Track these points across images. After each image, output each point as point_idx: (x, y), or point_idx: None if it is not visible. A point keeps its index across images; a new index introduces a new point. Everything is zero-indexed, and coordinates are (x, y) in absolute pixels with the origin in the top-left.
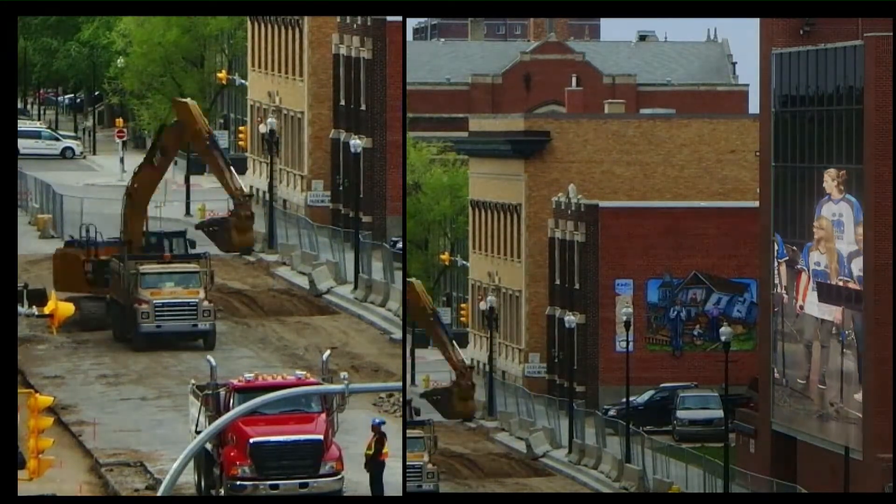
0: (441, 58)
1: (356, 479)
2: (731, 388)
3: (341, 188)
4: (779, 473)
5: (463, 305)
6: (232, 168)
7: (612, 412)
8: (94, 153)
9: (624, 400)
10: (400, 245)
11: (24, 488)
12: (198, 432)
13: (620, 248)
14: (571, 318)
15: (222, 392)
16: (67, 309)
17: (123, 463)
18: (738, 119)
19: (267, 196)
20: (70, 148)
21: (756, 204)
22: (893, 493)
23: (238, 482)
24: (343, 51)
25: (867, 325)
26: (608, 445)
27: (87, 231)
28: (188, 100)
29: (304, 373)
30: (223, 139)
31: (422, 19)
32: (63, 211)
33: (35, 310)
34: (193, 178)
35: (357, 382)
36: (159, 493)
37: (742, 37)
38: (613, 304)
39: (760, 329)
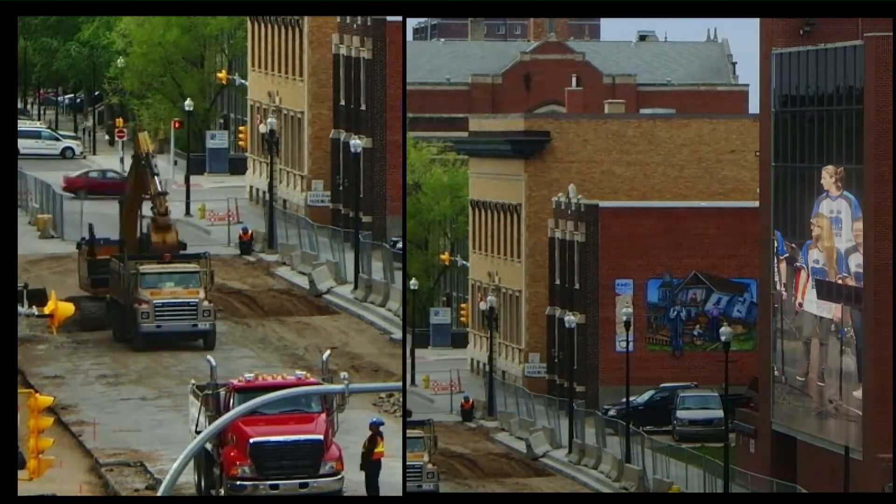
0: (441, 58)
1: (356, 479)
2: (731, 388)
3: (341, 188)
4: (779, 473)
5: (463, 305)
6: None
7: (612, 412)
8: (94, 153)
9: (624, 400)
10: (400, 245)
11: (24, 488)
12: (198, 432)
13: (620, 248)
14: (571, 318)
15: (222, 392)
16: (67, 309)
17: (123, 463)
18: (738, 119)
19: (267, 196)
20: (70, 148)
21: (756, 204)
22: (893, 493)
23: (238, 482)
24: (343, 51)
25: (867, 325)
26: (608, 445)
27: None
28: (142, 133)
29: (304, 373)
30: (223, 139)
31: (422, 19)
32: (63, 211)
33: (35, 310)
34: (193, 178)
35: (357, 382)
36: (159, 493)
37: (742, 37)
38: (613, 304)
39: (760, 329)
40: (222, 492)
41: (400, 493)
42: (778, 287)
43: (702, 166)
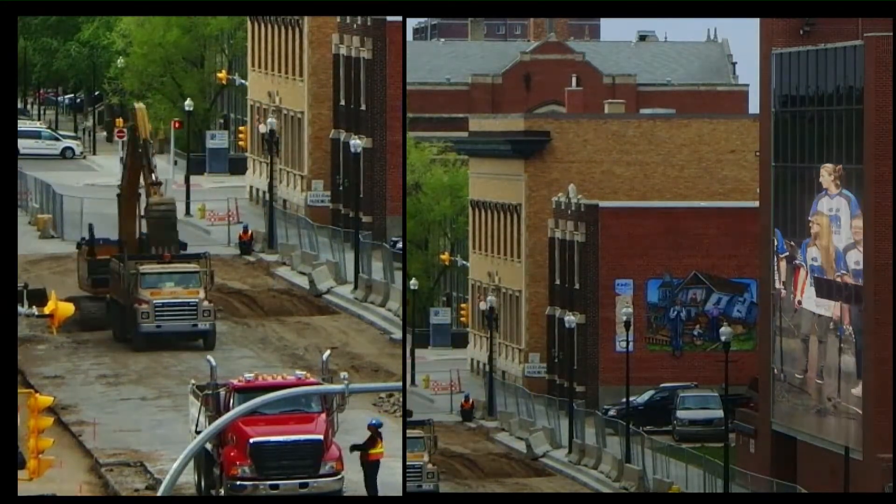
0: (441, 58)
1: (356, 479)
2: (731, 388)
3: (341, 188)
4: (779, 473)
5: (463, 305)
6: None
7: (612, 412)
8: (94, 153)
9: (624, 400)
10: (400, 245)
11: (24, 488)
12: (198, 432)
13: (620, 248)
14: (571, 318)
15: (222, 392)
16: (67, 309)
17: (123, 463)
18: (738, 119)
19: (267, 196)
20: (70, 148)
21: (756, 204)
22: (893, 493)
23: (238, 482)
24: (343, 51)
25: (867, 325)
26: (608, 445)
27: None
28: (140, 104)
29: (304, 373)
30: (223, 139)
31: (422, 19)
32: (63, 211)
33: (35, 310)
34: (193, 178)
35: (357, 382)
36: (159, 493)
37: (742, 37)
38: (613, 304)
39: (760, 329)
40: (222, 492)
41: (400, 493)
42: (777, 285)
43: (702, 166)
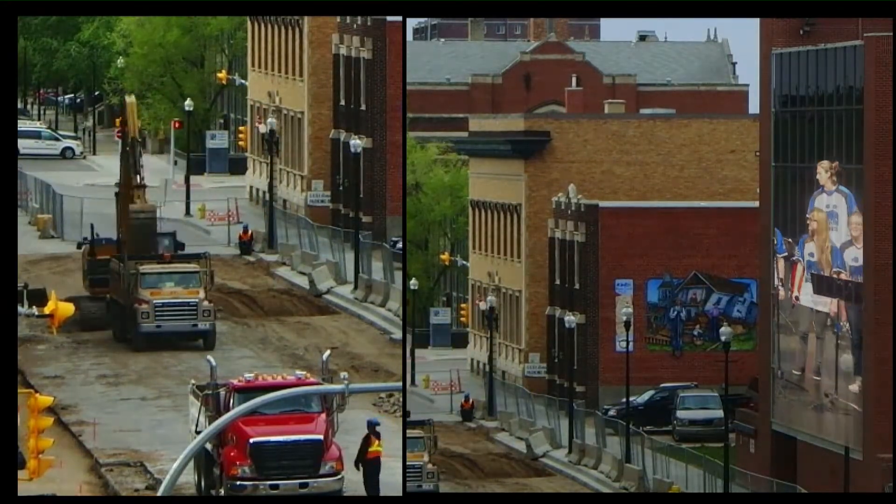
0: (441, 58)
1: (356, 479)
2: (731, 388)
3: (341, 188)
4: (779, 473)
5: (463, 305)
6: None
7: (612, 412)
8: (94, 153)
9: (624, 400)
10: (400, 245)
11: (24, 488)
12: (198, 432)
13: (620, 248)
14: (571, 318)
15: (222, 392)
16: (67, 309)
17: (123, 463)
18: (738, 119)
19: (267, 196)
20: (70, 148)
21: (756, 204)
22: (893, 493)
23: (238, 482)
24: (343, 51)
25: (867, 326)
26: (608, 445)
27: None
28: (130, 97)
29: (304, 373)
30: (223, 139)
31: (422, 19)
32: (63, 211)
33: (35, 310)
34: (193, 178)
35: (357, 382)
36: (159, 493)
37: (742, 37)
38: (613, 304)
39: (760, 329)
40: (222, 492)
41: (400, 493)
42: (776, 283)
43: (702, 166)
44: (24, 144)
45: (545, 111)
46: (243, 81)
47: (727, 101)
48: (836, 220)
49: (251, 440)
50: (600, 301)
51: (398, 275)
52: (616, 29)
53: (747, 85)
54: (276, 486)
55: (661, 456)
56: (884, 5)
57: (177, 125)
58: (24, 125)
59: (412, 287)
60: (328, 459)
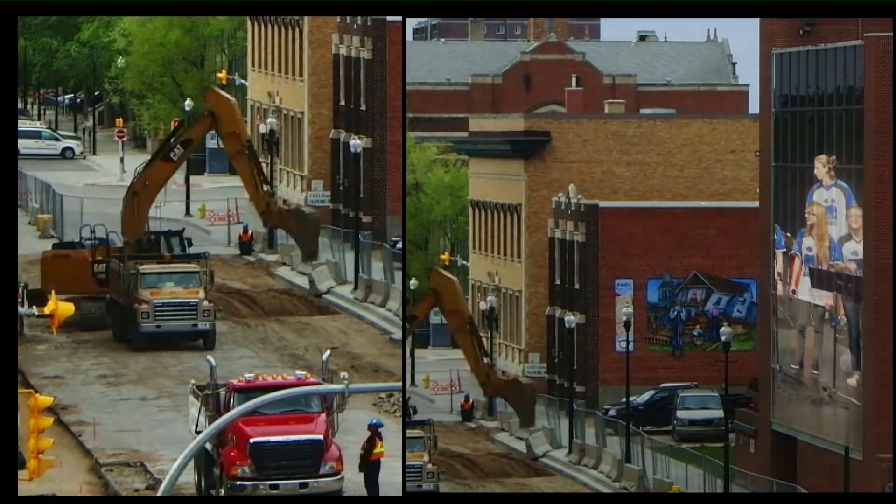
0: (441, 58)
1: (356, 479)
2: (731, 388)
3: (341, 188)
4: (779, 473)
5: None
6: (265, 177)
7: (612, 412)
8: (94, 153)
9: (624, 400)
10: (400, 245)
11: (24, 488)
12: (198, 432)
13: (620, 248)
14: (571, 318)
15: (222, 392)
16: (67, 309)
17: (123, 463)
18: (738, 119)
19: None
20: (70, 148)
21: (756, 204)
22: (893, 493)
23: (238, 482)
24: (343, 51)
25: (867, 325)
26: (608, 445)
27: (93, 231)
28: (230, 97)
29: (304, 373)
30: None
31: (422, 19)
32: (63, 211)
33: (35, 310)
34: (193, 178)
35: (357, 382)
36: (159, 493)
37: (742, 37)
38: (613, 304)
39: (760, 329)
40: (222, 492)
41: (400, 493)
42: (774, 277)
43: (702, 166)
44: (24, 144)
45: (545, 111)
46: (243, 81)
47: (727, 101)
48: (834, 214)
49: (251, 440)
50: (600, 301)
51: (398, 275)
52: (616, 29)
53: (747, 85)
54: (276, 486)
55: (661, 456)
56: (884, 5)
57: (177, 125)
58: (24, 125)
59: (412, 287)
60: (328, 459)
